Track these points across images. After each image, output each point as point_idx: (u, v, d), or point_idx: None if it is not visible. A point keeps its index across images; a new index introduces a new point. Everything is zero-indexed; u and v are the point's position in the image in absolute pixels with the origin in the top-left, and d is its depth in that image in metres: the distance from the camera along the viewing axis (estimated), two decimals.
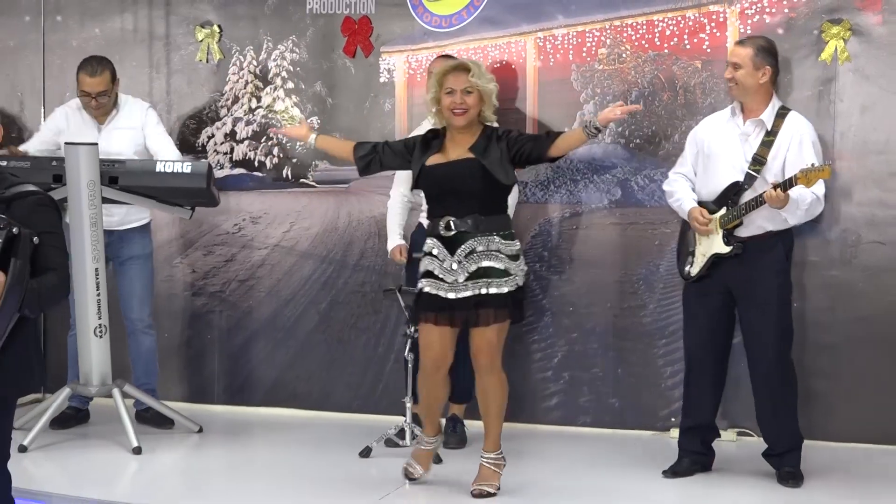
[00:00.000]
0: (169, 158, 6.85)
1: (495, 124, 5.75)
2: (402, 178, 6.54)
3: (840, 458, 6.44)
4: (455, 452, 6.48)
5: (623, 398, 7.01)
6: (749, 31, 6.61)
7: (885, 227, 6.61)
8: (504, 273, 5.50)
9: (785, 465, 5.95)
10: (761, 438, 6.40)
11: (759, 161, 5.85)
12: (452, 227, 5.50)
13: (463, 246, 5.49)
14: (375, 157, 5.74)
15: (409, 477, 5.79)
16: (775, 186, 5.68)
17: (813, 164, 5.68)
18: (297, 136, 6.03)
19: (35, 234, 4.43)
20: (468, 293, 5.48)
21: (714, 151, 5.98)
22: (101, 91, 6.88)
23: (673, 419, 6.58)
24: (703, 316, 6.06)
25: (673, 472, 6.03)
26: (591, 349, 7.06)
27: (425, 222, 6.29)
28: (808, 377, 6.59)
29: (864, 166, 6.62)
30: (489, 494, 5.62)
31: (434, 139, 5.68)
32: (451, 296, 5.49)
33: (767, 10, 6.70)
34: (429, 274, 5.55)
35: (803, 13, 6.67)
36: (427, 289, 5.54)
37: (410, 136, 6.04)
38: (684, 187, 6.08)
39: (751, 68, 5.86)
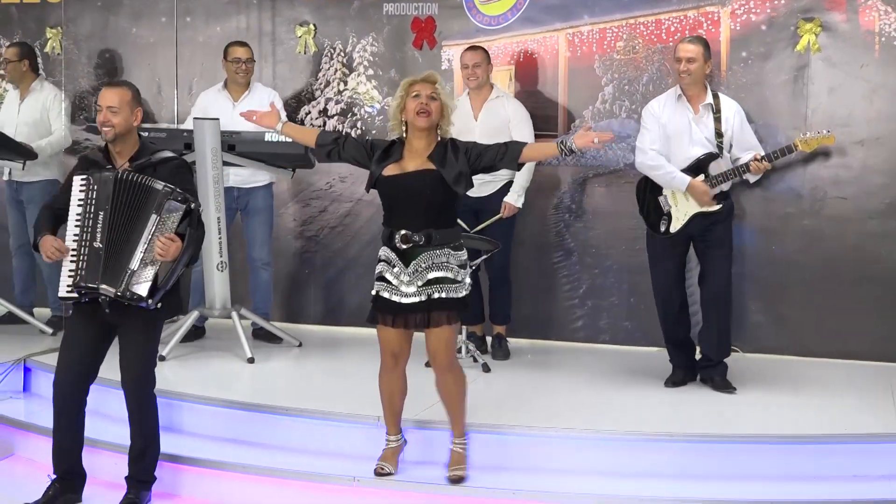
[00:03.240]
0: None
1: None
2: None
3: (809, 368, 6.52)
4: (501, 364, 6.58)
5: (634, 321, 7.11)
6: (738, 28, 6.72)
7: (846, 185, 6.71)
8: (454, 281, 4.77)
9: (716, 374, 5.97)
10: (744, 354, 6.55)
11: (720, 134, 5.85)
12: (408, 240, 4.73)
13: (417, 260, 4.75)
14: (335, 148, 4.94)
15: (382, 473, 4.96)
16: (760, 159, 5.75)
17: (807, 133, 5.69)
18: (267, 124, 5.06)
19: (195, 201, 4.73)
20: (421, 298, 4.75)
21: (673, 131, 5.92)
22: (248, 58, 7.05)
23: None
24: (672, 262, 6.03)
25: (672, 381, 6.06)
26: (609, 282, 7.16)
27: None
28: (785, 305, 6.79)
29: None
30: (462, 479, 4.93)
31: (392, 147, 4.85)
32: (405, 301, 4.77)
33: (753, 10, 6.76)
34: (383, 279, 4.83)
35: (782, 12, 6.75)
36: (384, 293, 4.82)
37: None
38: (668, 163, 5.92)
39: (702, 62, 5.84)
